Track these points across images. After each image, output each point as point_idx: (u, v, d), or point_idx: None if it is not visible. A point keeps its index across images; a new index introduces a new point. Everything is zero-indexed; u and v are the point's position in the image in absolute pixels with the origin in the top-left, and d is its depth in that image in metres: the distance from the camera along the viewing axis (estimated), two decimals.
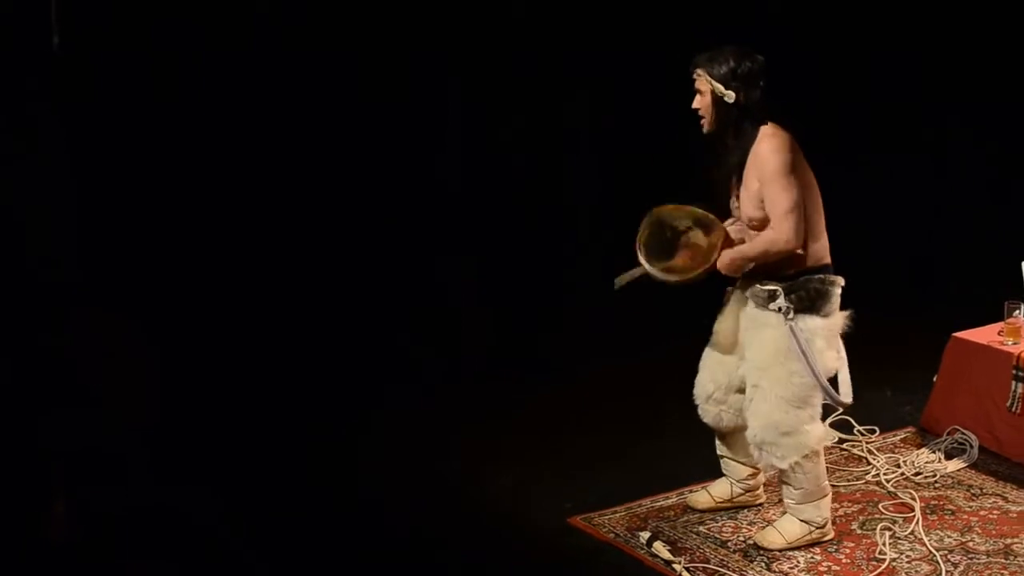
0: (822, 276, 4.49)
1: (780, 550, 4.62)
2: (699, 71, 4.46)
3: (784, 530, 4.66)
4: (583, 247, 6.86)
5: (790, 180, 4.36)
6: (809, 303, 4.46)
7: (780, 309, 4.46)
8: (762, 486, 5.00)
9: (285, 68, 5.93)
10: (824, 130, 6.69)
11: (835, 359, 4.54)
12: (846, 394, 4.59)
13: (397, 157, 6.31)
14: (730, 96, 4.40)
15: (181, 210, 5.85)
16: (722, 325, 4.75)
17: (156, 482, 5.22)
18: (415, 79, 6.26)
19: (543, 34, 6.58)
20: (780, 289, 4.46)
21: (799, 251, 4.42)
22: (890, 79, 7.55)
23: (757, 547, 4.66)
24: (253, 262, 6.01)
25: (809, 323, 4.46)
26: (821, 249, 4.50)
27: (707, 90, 4.45)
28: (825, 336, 4.49)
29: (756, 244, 4.45)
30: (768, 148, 4.40)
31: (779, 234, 4.37)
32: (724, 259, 4.50)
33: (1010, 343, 5.40)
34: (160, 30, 5.64)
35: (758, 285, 4.52)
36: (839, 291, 4.54)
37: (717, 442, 4.93)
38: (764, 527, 4.75)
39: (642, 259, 4.53)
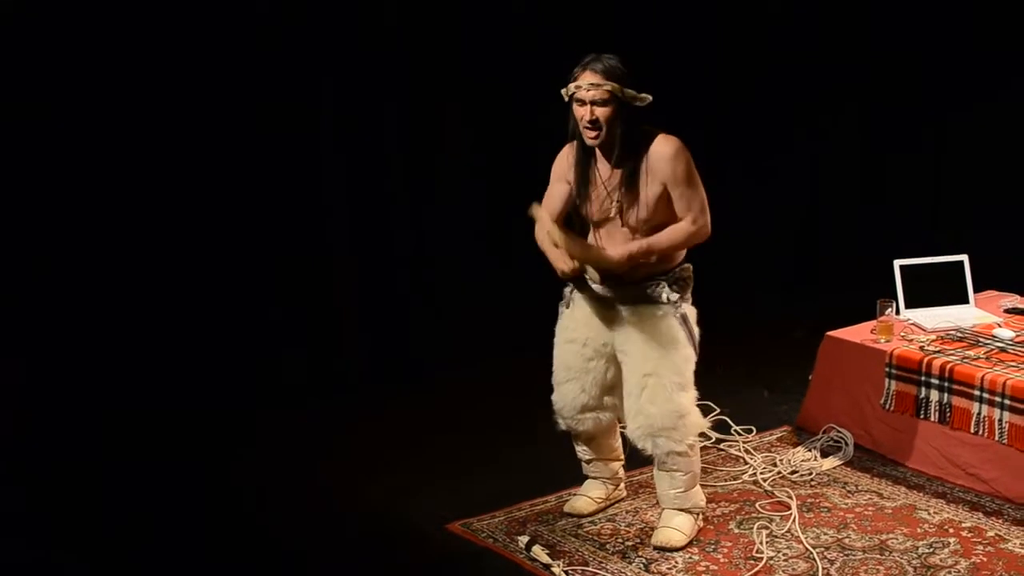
0: (686, 266, 4.64)
1: (685, 547, 4.63)
2: (598, 79, 4.34)
3: (679, 526, 4.68)
4: (451, 250, 6.78)
5: (697, 174, 4.48)
6: (682, 291, 4.61)
7: (669, 300, 4.55)
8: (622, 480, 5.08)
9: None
10: (701, 129, 6.73)
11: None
12: None
13: (270, 158, 6.18)
14: (644, 99, 4.39)
15: (40, 216, 5.68)
16: (580, 333, 4.72)
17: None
18: (290, 78, 6.15)
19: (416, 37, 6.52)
20: (664, 282, 4.56)
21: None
22: (769, 80, 7.62)
23: (662, 550, 4.63)
24: (118, 264, 5.84)
25: (686, 309, 4.62)
26: None
27: (609, 98, 4.34)
28: (694, 317, 4.66)
29: (668, 236, 4.47)
30: (674, 148, 4.42)
31: (702, 227, 4.49)
32: (627, 250, 4.42)
33: (883, 341, 5.46)
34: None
35: (644, 281, 4.55)
36: None
37: (583, 447, 4.97)
38: (659, 531, 4.70)
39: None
